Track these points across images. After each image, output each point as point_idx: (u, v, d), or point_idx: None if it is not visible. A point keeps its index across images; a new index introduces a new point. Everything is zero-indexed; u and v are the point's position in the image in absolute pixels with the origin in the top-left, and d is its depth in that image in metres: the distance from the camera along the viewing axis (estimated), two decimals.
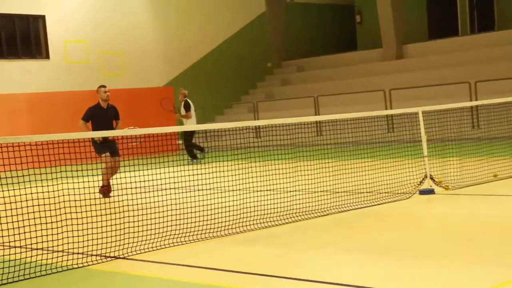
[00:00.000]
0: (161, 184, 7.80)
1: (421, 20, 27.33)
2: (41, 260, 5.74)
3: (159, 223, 6.77)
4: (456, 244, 5.72)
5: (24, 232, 5.92)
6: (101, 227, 6.40)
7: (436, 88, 20.63)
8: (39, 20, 22.22)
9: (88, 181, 6.97)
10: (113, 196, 7.00)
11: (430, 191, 8.58)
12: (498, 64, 21.13)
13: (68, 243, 6.14)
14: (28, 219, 6.01)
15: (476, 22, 26.45)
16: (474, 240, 5.85)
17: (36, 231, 5.98)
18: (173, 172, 7.86)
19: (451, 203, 8.08)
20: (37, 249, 5.95)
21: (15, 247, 5.98)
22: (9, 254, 5.83)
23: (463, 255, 5.26)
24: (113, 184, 10.07)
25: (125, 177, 7.26)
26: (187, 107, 16.98)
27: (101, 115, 11.22)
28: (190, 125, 16.06)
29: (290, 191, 8.45)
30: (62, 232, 6.25)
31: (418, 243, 5.85)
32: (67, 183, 6.66)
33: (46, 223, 6.10)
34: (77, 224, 6.37)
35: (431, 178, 8.88)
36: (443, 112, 10.57)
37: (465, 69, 21.51)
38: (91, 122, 11.13)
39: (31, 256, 5.79)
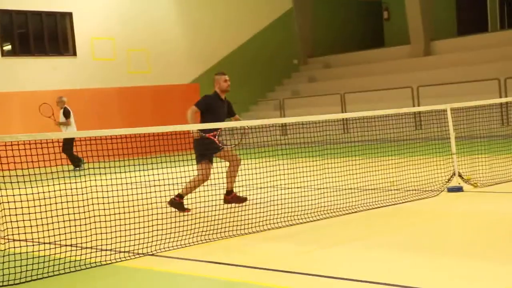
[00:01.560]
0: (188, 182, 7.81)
1: (450, 16, 27.04)
2: (70, 256, 5.79)
3: (186, 220, 6.78)
4: (484, 243, 5.65)
5: (53, 229, 5.98)
6: (129, 224, 6.43)
7: (465, 85, 20.40)
8: (66, 17, 22.42)
9: (116, 178, 7.01)
10: (141, 193, 7.03)
11: (459, 189, 8.49)
12: None
13: (96, 240, 6.18)
14: (57, 216, 6.07)
15: (506, 18, 26.08)
16: (502, 238, 5.77)
17: (65, 227, 6.04)
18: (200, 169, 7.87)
19: (480, 201, 7.98)
20: (66, 245, 6.01)
21: (44, 243, 6.05)
22: (39, 251, 5.89)
23: (491, 253, 5.19)
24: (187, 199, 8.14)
25: (153, 175, 7.29)
26: (66, 114, 16.82)
27: (219, 107, 9.03)
28: (71, 132, 15.52)
29: (317, 189, 8.41)
30: (91, 229, 6.29)
31: (446, 241, 5.79)
32: (95, 180, 6.71)
33: (75, 220, 6.15)
34: (106, 221, 6.41)
35: (460, 176, 8.78)
36: (471, 109, 10.45)
37: (495, 66, 21.23)
38: (204, 114, 8.83)
39: (60, 253, 5.84)
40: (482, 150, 10.30)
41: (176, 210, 8.13)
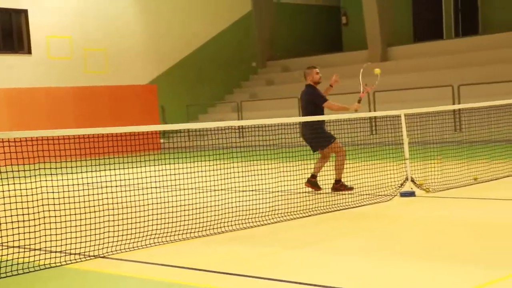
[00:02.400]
0: (143, 183, 7.75)
1: (406, 22, 27.45)
2: (18, 258, 5.67)
3: (140, 222, 6.72)
4: (435, 246, 5.73)
5: (1, 230, 5.85)
6: (80, 225, 6.34)
7: (420, 91, 20.72)
8: (21, 15, 22.03)
9: (68, 179, 6.91)
10: (93, 194, 6.95)
11: (411, 194, 8.61)
12: (481, 68, 21.27)
13: (46, 242, 6.07)
14: (5, 217, 5.94)
15: (460, 26, 26.62)
16: (453, 242, 5.87)
17: (13, 228, 5.91)
18: (155, 171, 7.82)
19: (431, 205, 8.11)
20: (14, 247, 5.88)
21: None
22: None
23: (442, 256, 5.27)
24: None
25: (105, 176, 7.21)
26: None
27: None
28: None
29: (273, 192, 8.43)
30: (40, 230, 6.18)
31: (398, 245, 5.86)
32: (46, 180, 6.59)
33: (24, 220, 6.03)
34: (56, 222, 6.30)
35: (412, 181, 8.91)
36: (425, 115, 10.61)
37: (449, 72, 21.64)
38: (318, 106, 9.61)
39: (7, 254, 5.72)
40: (435, 155, 10.47)
41: (341, 191, 9.04)
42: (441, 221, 7.06)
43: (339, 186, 9.31)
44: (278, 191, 8.54)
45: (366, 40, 25.43)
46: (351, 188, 9.21)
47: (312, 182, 9.42)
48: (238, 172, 8.51)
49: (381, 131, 12.95)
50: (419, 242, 6.06)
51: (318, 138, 9.32)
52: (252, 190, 8.45)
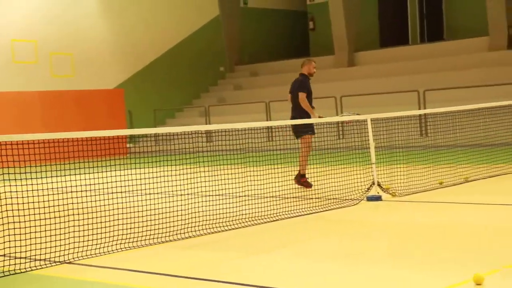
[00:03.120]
0: (109, 188, 7.69)
1: (373, 28, 27.73)
2: None
3: (106, 227, 6.66)
4: (401, 250, 5.79)
5: None
6: (45, 231, 6.26)
7: (386, 96, 20.94)
8: None
9: (32, 184, 6.82)
10: (58, 199, 6.87)
11: (377, 198, 8.69)
12: (446, 73, 21.58)
13: (10, 247, 5.99)
14: None
15: (426, 32, 26.98)
16: (419, 245, 5.94)
17: None
18: (121, 175, 7.76)
19: (397, 209, 8.20)
20: None
21: None
22: None
23: (408, 260, 5.32)
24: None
25: (71, 180, 7.14)
26: None
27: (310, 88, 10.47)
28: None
29: (239, 196, 8.44)
30: (4, 236, 6.09)
31: (365, 248, 5.91)
32: (10, 185, 6.50)
33: None
34: (20, 228, 6.21)
35: (379, 185, 8.99)
36: (391, 120, 10.73)
37: (415, 78, 21.91)
38: (307, 95, 10.34)
39: None
40: (401, 160, 10.59)
41: (303, 186, 9.94)
42: (407, 224, 7.13)
43: (304, 181, 10.08)
44: (245, 196, 8.55)
45: (333, 45, 25.62)
46: (310, 185, 9.97)
47: (302, 182, 10.11)
48: (205, 176, 8.50)
49: (348, 135, 13.05)
50: (386, 245, 6.12)
51: (300, 125, 9.92)
52: (219, 195, 8.44)
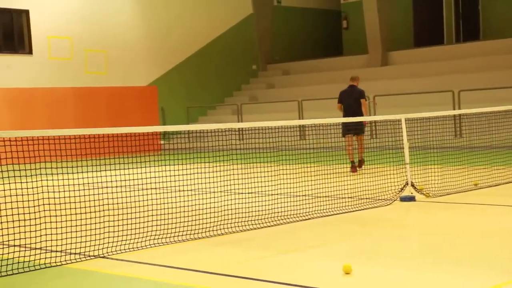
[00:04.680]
0: (143, 184, 7.75)
1: (407, 27, 27.47)
2: (19, 257, 5.67)
3: (139, 223, 6.71)
4: (435, 251, 5.73)
5: (2, 228, 5.85)
6: (81, 225, 6.33)
7: (420, 96, 20.73)
8: (22, 15, 22.01)
9: (68, 179, 6.90)
10: (94, 194, 6.95)
11: (411, 198, 8.60)
12: (481, 74, 21.28)
13: (46, 241, 6.07)
14: (6, 216, 5.94)
15: (461, 31, 26.64)
16: (452, 247, 5.87)
17: (14, 227, 5.91)
18: (155, 172, 7.81)
19: (431, 210, 8.11)
20: (14, 245, 5.88)
21: None
22: None
23: (441, 262, 5.27)
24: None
25: (106, 176, 7.20)
26: None
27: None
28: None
29: (272, 195, 8.43)
30: (41, 230, 6.18)
31: (398, 249, 5.86)
32: (47, 180, 6.59)
33: (25, 219, 6.03)
34: (56, 222, 6.30)
35: (412, 185, 8.91)
36: (426, 120, 10.62)
37: (449, 78, 21.64)
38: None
39: (8, 253, 5.72)
40: (435, 160, 10.48)
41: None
42: (441, 226, 7.05)
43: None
44: (277, 194, 8.54)
45: (366, 45, 25.44)
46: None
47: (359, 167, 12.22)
48: (237, 174, 8.51)
49: (381, 135, 12.94)
50: (419, 246, 6.06)
51: (362, 126, 12.54)
52: (251, 193, 8.44)
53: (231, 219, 7.21)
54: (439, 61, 23.48)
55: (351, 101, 13.00)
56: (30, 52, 22.05)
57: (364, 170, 9.46)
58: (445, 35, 26.80)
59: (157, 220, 6.90)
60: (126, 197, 7.43)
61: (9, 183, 6.33)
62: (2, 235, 5.87)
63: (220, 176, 8.11)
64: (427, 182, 9.36)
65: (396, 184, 9.07)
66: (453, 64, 22.82)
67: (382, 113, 18.37)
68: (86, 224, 6.38)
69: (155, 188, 8.25)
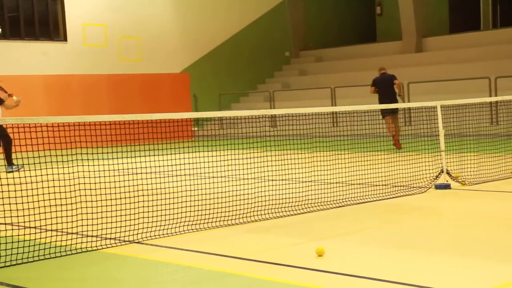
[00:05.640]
0: (176, 170, 7.80)
1: (442, 13, 27.07)
2: (56, 241, 5.76)
3: (173, 209, 6.77)
4: (471, 240, 5.67)
5: (40, 213, 5.94)
6: (116, 210, 6.41)
7: (455, 82, 20.44)
8: (57, 2, 22.24)
9: (104, 165, 6.98)
10: (128, 180, 7.02)
11: (446, 186, 8.51)
12: None
13: (82, 226, 6.16)
14: (44, 200, 6.03)
15: (499, 17, 26.15)
16: (488, 236, 5.80)
17: (51, 212, 6.00)
18: (189, 158, 7.85)
19: (467, 198, 8.01)
20: (51, 230, 5.97)
21: (30, 227, 6.01)
22: (24, 235, 5.86)
23: (477, 250, 5.21)
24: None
25: (141, 162, 7.26)
26: None
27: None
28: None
29: (305, 182, 8.41)
30: (77, 215, 6.26)
31: (433, 237, 5.81)
32: (83, 165, 6.67)
33: (61, 205, 6.12)
34: (92, 207, 6.38)
35: (448, 173, 8.81)
36: (461, 107, 10.47)
37: (486, 64, 21.29)
38: None
39: (46, 237, 5.81)
40: (471, 148, 10.34)
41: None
42: (477, 214, 6.97)
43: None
44: (310, 181, 8.52)
45: (400, 31, 25.14)
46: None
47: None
48: (270, 161, 8.51)
49: (416, 122, 12.82)
50: (454, 234, 5.99)
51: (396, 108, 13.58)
52: (284, 179, 8.44)
53: (264, 205, 7.22)
54: (475, 47, 23.10)
55: (384, 85, 14.84)
56: (65, 39, 22.29)
57: (399, 157, 9.38)
58: (481, 20, 26.35)
59: (190, 206, 6.94)
60: (159, 183, 7.48)
61: (46, 169, 6.42)
62: (40, 220, 5.96)
63: (253, 163, 8.11)
64: (462, 170, 9.24)
65: (431, 171, 8.98)
66: (490, 50, 22.44)
67: (416, 100, 18.15)
68: (121, 210, 6.45)
69: (188, 175, 8.29)
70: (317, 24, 28.61)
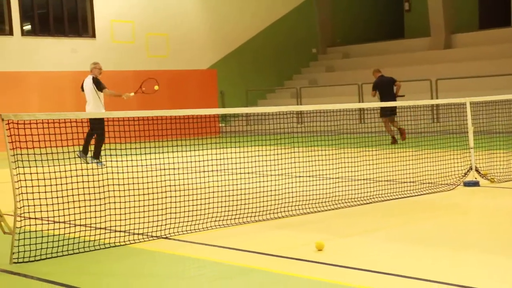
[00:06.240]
0: (203, 166, 7.83)
1: (472, 9, 26.76)
2: (84, 236, 5.82)
3: (200, 204, 6.80)
4: (500, 238, 5.60)
5: (68, 208, 6.01)
6: (143, 206, 6.45)
7: (485, 79, 20.20)
8: (86, 0, 22.45)
9: (132, 160, 7.03)
10: (156, 176, 7.07)
11: (475, 183, 8.43)
12: None
13: (110, 221, 6.21)
14: (73, 195, 6.10)
15: None
16: None
17: (79, 207, 6.07)
18: (216, 154, 7.88)
19: (496, 196, 7.92)
20: (80, 225, 6.04)
21: (58, 222, 6.08)
22: (53, 229, 5.93)
23: (505, 249, 5.15)
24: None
25: (168, 158, 7.30)
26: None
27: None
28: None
29: (332, 178, 8.39)
30: (105, 210, 6.32)
31: (461, 235, 5.76)
32: (111, 161, 6.72)
33: (90, 200, 6.18)
34: (120, 203, 6.43)
35: (477, 170, 8.72)
36: (491, 104, 10.35)
37: None
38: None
39: (74, 232, 5.88)
40: (501, 145, 10.22)
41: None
42: (506, 212, 6.89)
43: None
44: (337, 178, 8.49)
45: (429, 27, 24.91)
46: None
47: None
48: (297, 157, 8.49)
49: (444, 119, 12.71)
50: (483, 231, 5.93)
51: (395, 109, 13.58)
52: (310, 176, 8.42)
53: (291, 202, 7.22)
54: (505, 43, 22.79)
55: (385, 88, 15.78)
56: (93, 36, 22.48)
57: (427, 154, 9.30)
58: (511, 16, 25.98)
59: (217, 202, 6.97)
60: (187, 179, 7.52)
61: (75, 164, 6.49)
62: (69, 215, 6.03)
63: (279, 159, 8.11)
64: (491, 167, 9.14)
65: (460, 169, 8.89)
66: None
67: (445, 97, 17.99)
68: (149, 205, 6.49)
69: (215, 171, 8.32)
70: (344, 20, 28.46)
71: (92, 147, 11.68)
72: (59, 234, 5.73)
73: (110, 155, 6.81)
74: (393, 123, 15.14)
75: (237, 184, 8.44)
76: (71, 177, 6.28)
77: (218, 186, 7.51)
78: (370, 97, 21.41)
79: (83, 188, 6.23)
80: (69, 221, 6.09)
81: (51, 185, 5.98)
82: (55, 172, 6.09)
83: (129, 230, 6.08)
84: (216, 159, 7.79)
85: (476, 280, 4.29)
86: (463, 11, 25.87)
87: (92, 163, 11.03)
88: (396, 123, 15.05)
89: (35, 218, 6.05)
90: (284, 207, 7.03)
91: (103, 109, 13.05)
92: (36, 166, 6.02)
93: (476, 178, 8.56)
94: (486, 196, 7.95)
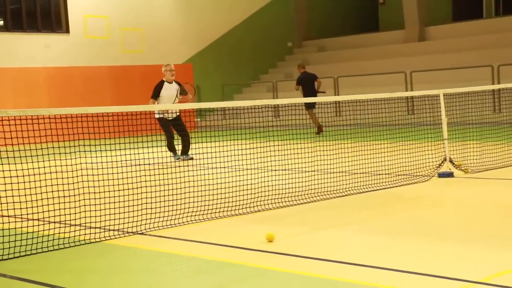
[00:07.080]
0: (179, 161, 7.80)
1: (445, 2, 26.96)
2: (59, 233, 5.77)
3: (176, 199, 6.77)
4: (474, 228, 5.67)
5: (42, 205, 5.95)
6: (119, 202, 6.42)
7: (458, 71, 20.39)
8: None
9: (106, 156, 6.98)
10: (131, 172, 7.03)
11: (449, 174, 8.51)
12: None
13: (85, 217, 6.17)
14: (46, 192, 6.04)
15: (501, 5, 26.03)
16: (491, 223, 5.79)
17: (54, 204, 6.01)
18: (191, 149, 7.86)
19: (470, 186, 8.01)
20: (54, 222, 5.99)
21: (33, 219, 6.02)
22: (27, 227, 5.87)
23: (479, 238, 5.21)
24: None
25: (143, 153, 7.27)
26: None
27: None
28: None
29: (308, 171, 8.41)
30: (80, 206, 6.27)
31: (436, 226, 5.81)
32: (85, 157, 6.67)
33: (64, 196, 6.13)
34: (95, 199, 6.39)
35: (451, 161, 8.80)
36: (464, 95, 10.45)
37: (489, 52, 21.23)
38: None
39: (49, 229, 5.83)
40: (474, 136, 10.33)
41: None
42: (480, 202, 6.97)
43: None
44: (313, 171, 8.52)
45: (403, 20, 25.06)
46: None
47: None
48: (273, 151, 8.50)
49: (419, 111, 12.81)
50: (457, 222, 5.99)
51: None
52: (286, 169, 8.43)
53: (266, 196, 7.22)
54: (478, 35, 23.02)
55: (308, 83, 17.36)
56: (67, 31, 22.28)
57: (402, 146, 9.37)
58: (484, 8, 26.24)
59: (193, 197, 6.95)
60: (162, 174, 7.50)
61: (49, 161, 6.43)
62: (43, 212, 5.97)
63: (256, 153, 8.11)
64: (465, 158, 9.23)
65: (434, 160, 8.97)
66: (493, 38, 22.36)
67: (419, 89, 18.13)
68: (124, 201, 6.46)
69: (191, 165, 8.30)
70: (319, 14, 28.52)
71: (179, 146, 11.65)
72: (33, 232, 5.68)
73: (85, 151, 6.76)
74: (312, 114, 16.00)
75: (213, 179, 8.44)
76: (45, 174, 6.22)
77: (194, 181, 7.50)
78: (346, 89, 21.54)
79: (57, 185, 6.18)
80: (44, 218, 6.03)
81: (24, 182, 5.92)
82: (28, 169, 6.02)
83: (105, 226, 6.04)
84: (192, 154, 7.77)
85: (452, 270, 4.34)
86: (436, 3, 26.06)
87: (183, 159, 10.41)
88: (314, 115, 15.94)
89: (9, 216, 5.98)
90: (261, 201, 7.04)
91: (156, 115, 12.06)
92: (9, 164, 5.95)
93: (450, 169, 8.64)
94: (460, 187, 8.03)
